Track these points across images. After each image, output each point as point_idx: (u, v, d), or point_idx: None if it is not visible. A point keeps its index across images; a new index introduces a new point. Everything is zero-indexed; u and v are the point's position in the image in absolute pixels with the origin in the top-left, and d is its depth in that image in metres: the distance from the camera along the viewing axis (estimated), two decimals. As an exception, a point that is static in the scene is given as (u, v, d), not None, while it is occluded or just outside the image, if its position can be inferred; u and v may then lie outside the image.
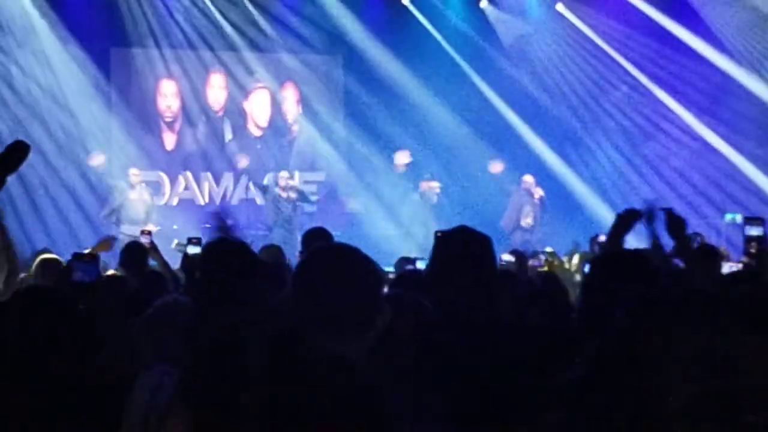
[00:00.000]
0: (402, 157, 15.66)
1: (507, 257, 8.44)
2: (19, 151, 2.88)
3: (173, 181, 16.07)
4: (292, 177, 15.25)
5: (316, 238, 6.11)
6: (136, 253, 6.86)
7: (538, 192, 14.92)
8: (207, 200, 16.17)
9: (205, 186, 16.30)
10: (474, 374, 2.86)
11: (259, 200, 15.59)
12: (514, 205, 14.94)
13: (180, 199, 16.05)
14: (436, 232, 3.24)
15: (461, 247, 3.17)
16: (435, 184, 15.32)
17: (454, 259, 3.13)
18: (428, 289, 3.11)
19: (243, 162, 15.75)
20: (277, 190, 14.71)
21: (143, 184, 14.54)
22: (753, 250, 5.38)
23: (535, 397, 2.51)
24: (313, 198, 15.29)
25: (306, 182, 16.10)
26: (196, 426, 2.41)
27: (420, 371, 2.83)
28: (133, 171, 14.50)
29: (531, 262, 8.35)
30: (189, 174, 16.21)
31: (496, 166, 15.86)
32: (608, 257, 3.59)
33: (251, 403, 2.09)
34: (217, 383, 2.39)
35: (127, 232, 13.33)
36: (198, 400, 2.44)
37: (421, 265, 7.76)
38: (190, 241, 6.38)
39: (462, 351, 2.89)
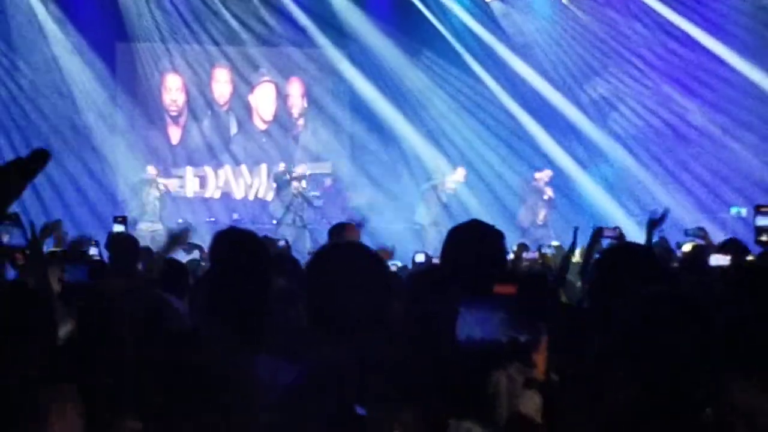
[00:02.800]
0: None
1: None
2: (39, 159, 2.91)
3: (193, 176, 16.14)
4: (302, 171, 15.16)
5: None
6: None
7: (548, 191, 14.95)
8: (217, 194, 16.20)
9: (211, 180, 16.30)
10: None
11: (271, 195, 15.56)
12: (528, 202, 14.94)
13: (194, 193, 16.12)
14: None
15: (473, 241, 3.16)
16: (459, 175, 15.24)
17: (466, 252, 3.12)
18: (439, 281, 3.09)
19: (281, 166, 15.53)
20: (294, 184, 14.58)
21: (157, 181, 14.63)
22: (764, 239, 5.42)
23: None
24: (317, 202, 14.95)
25: (312, 174, 16.01)
26: (83, 399, 2.34)
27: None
28: (149, 168, 14.70)
29: (524, 254, 8.37)
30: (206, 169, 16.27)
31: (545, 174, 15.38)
32: (616, 252, 3.57)
33: (125, 375, 2.07)
34: (93, 357, 2.34)
35: (145, 228, 13.49)
36: (76, 375, 2.39)
37: (420, 257, 7.84)
38: (115, 219, 6.41)
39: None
